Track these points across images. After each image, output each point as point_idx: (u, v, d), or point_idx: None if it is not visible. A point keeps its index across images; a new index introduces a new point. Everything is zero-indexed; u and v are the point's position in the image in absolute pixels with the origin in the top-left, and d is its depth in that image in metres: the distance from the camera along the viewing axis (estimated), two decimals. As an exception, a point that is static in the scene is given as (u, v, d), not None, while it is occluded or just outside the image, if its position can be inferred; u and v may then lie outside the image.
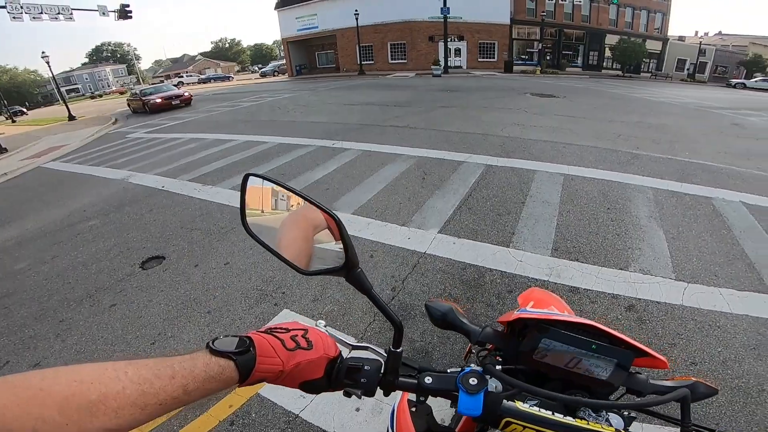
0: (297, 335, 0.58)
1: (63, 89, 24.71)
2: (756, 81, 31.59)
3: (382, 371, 0.61)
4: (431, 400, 0.65)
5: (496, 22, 30.73)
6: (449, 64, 27.89)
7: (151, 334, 2.86)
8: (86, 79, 66.25)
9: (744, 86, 30.88)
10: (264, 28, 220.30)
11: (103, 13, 17.72)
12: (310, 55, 38.57)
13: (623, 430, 0.61)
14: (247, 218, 0.66)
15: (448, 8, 25.71)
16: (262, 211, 0.67)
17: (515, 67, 29.58)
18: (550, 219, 4.15)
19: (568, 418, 0.57)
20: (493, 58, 31.89)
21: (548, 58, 33.04)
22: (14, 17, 15.87)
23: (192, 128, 11.37)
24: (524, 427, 0.55)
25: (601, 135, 7.76)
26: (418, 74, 26.44)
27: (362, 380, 0.60)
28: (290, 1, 35.60)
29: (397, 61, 32.01)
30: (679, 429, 0.60)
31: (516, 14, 31.35)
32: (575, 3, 29.66)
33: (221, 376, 0.50)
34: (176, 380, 0.46)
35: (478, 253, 3.57)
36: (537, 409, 0.58)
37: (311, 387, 0.59)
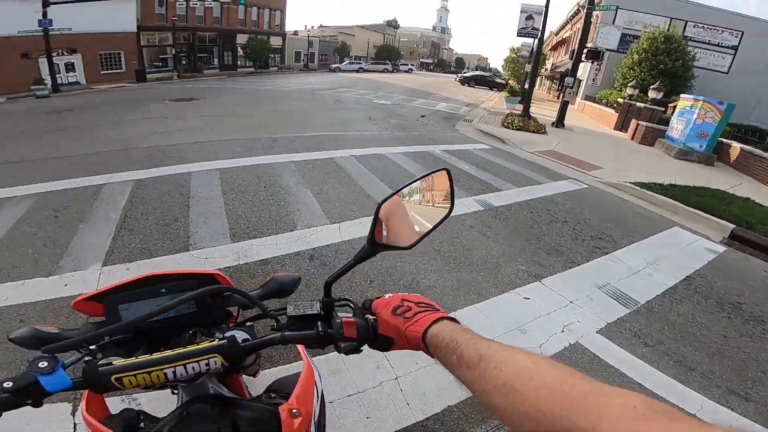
0: None
1: None
2: (344, 64, 43.10)
3: None
4: None
5: (119, 30, 26.85)
6: (61, 82, 22.33)
7: None
8: None
9: (339, 70, 41.38)
10: None
11: None
12: None
13: (244, 342, 0.66)
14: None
15: (50, 20, 20.19)
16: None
17: (149, 75, 27.11)
18: (219, 212, 4.30)
19: (169, 351, 0.63)
20: (121, 68, 27.88)
21: (184, 62, 32.15)
22: None
23: None
24: (136, 374, 0.60)
25: (243, 127, 8.50)
26: (9, 98, 19.66)
27: None
28: None
29: (-31, 84, 22.58)
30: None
31: (144, 20, 28.36)
32: (206, 6, 29.67)
33: None
34: None
35: (160, 267, 3.28)
36: (135, 358, 0.63)
37: None
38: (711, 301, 3.55)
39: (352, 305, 0.70)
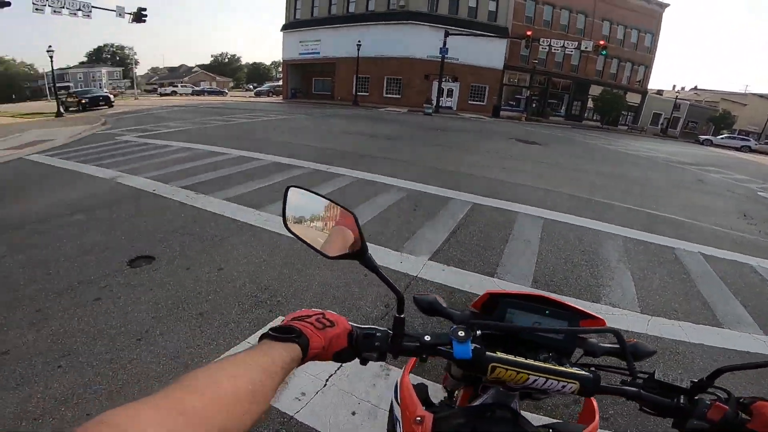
0: (320, 317, 0.69)
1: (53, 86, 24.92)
2: (721, 138, 34.09)
3: (390, 336, 0.74)
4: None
5: (490, 66, 31.82)
6: (440, 104, 28.87)
7: (137, 330, 2.83)
8: (80, 78, 65.52)
9: (710, 143, 33.12)
10: (265, 47, 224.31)
11: (120, 15, 17.90)
12: (306, 80, 39.32)
13: (598, 383, 0.70)
14: (287, 220, 0.83)
15: (447, 48, 26.76)
16: (301, 215, 0.85)
17: (502, 112, 30.64)
18: (530, 256, 4.46)
19: (542, 363, 0.72)
20: (483, 101, 32.95)
21: (534, 105, 34.56)
22: (37, 8, 15.75)
23: (184, 138, 11.45)
24: (507, 369, 0.70)
25: (577, 184, 8.30)
26: (410, 110, 27.27)
27: (376, 344, 0.72)
28: (297, 24, 36.68)
29: (391, 96, 32.82)
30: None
31: (510, 60, 32.43)
32: (566, 53, 30.36)
33: (292, 359, 0.58)
34: (271, 368, 0.53)
35: (466, 280, 3.80)
36: (514, 356, 0.72)
37: (342, 356, 0.70)
38: None
39: (728, 393, 0.68)
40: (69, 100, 23.93)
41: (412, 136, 13.72)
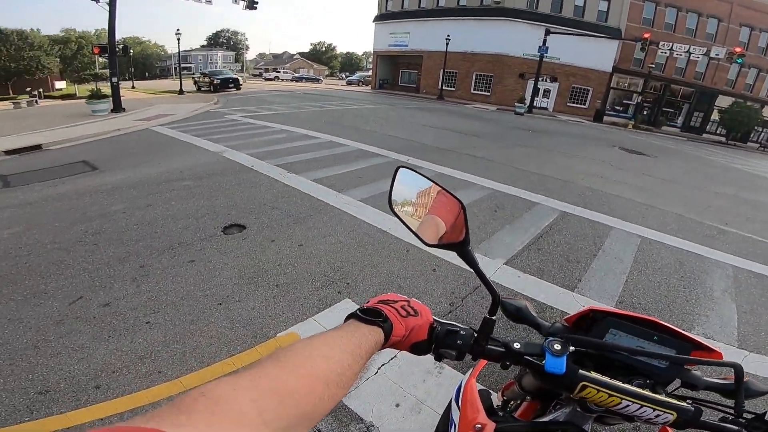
0: (404, 305, 0.67)
1: (178, 66, 28.11)
2: None
3: (474, 337, 0.71)
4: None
5: (596, 68, 29.45)
6: (535, 104, 27.31)
7: (220, 295, 3.09)
8: (200, 60, 73.80)
9: None
10: (358, 37, 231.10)
11: (235, 1, 19.62)
12: (394, 71, 39.77)
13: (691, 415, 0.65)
14: (392, 201, 0.81)
15: (547, 47, 25.16)
16: (406, 198, 0.82)
17: (606, 117, 28.10)
18: (619, 275, 4.04)
19: (638, 388, 0.66)
20: (584, 104, 30.59)
21: (645, 113, 31.00)
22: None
23: (282, 120, 12.31)
24: (598, 390, 0.65)
25: (689, 203, 7.27)
26: (499, 109, 26.18)
27: (458, 342, 0.69)
28: (388, 16, 37.16)
29: (479, 92, 31.85)
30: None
31: (620, 63, 29.71)
32: (691, 58, 26.77)
33: (375, 343, 0.57)
34: (356, 352, 0.52)
35: (541, 289, 3.58)
36: (607, 378, 0.67)
37: (418, 348, 0.67)
38: None
39: None
40: (202, 80, 25.38)
41: (501, 135, 13.14)
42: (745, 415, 0.68)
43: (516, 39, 28.64)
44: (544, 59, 25.64)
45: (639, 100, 30.64)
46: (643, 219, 5.80)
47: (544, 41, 24.96)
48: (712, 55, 23.88)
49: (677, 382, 0.79)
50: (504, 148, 10.54)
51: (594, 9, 29.04)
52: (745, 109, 29.25)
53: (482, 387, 0.83)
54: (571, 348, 0.71)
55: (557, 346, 0.67)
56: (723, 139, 30.83)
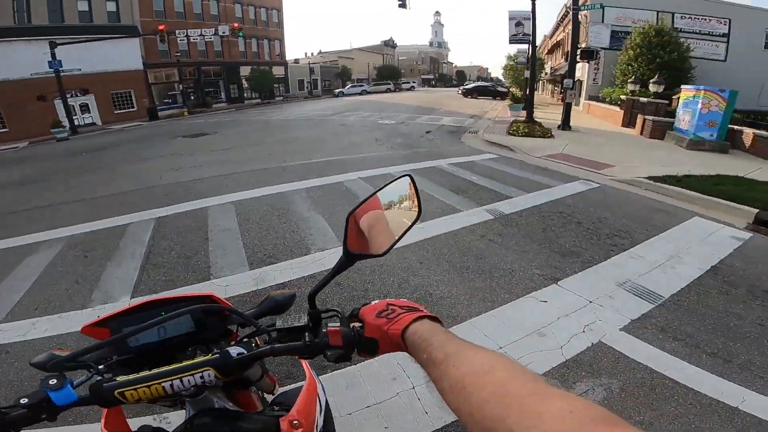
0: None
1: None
2: (347, 88, 44.04)
3: None
4: None
5: (127, 69, 27.92)
6: (77, 123, 23.33)
7: None
8: None
9: (343, 94, 42.21)
10: None
11: None
12: None
13: (237, 355, 0.69)
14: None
15: (59, 61, 21.04)
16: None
17: (161, 113, 28.06)
18: (236, 242, 4.45)
19: (166, 367, 0.68)
20: (133, 107, 29.01)
21: (192, 98, 33.21)
22: None
23: None
24: (137, 389, 0.65)
25: (255, 158, 8.76)
26: (32, 142, 20.59)
27: None
28: None
29: (-8, 131, 23.69)
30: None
31: (148, 57, 29.56)
32: (207, 40, 29.97)
33: None
34: None
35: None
36: (136, 374, 0.68)
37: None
38: (741, 290, 3.46)
39: (339, 315, 0.72)
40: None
41: (51, 173, 10.40)
42: (269, 330, 0.75)
43: (15, 60, 22.54)
44: (61, 74, 21.62)
45: (182, 88, 32.37)
46: (227, 187, 6.52)
47: (53, 55, 20.85)
48: (220, 33, 27.08)
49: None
50: (61, 186, 8.47)
51: (102, 11, 27.01)
52: (261, 73, 37.31)
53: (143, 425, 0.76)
54: (101, 367, 0.71)
55: (52, 381, 0.62)
56: (259, 100, 38.38)
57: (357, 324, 0.69)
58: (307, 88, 48.10)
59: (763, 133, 9.64)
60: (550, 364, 2.53)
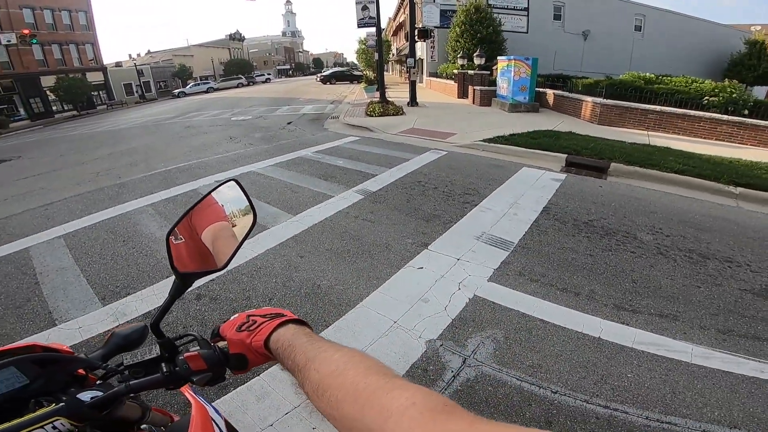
0: None
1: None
2: (190, 87, 39.76)
3: None
4: None
5: None
6: None
7: None
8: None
9: (185, 94, 37.97)
10: None
11: None
12: None
13: (92, 399, 0.62)
14: None
15: None
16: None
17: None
18: (77, 280, 3.67)
19: (4, 424, 0.57)
20: None
21: (-26, 120, 25.81)
22: None
23: None
24: None
25: (79, 180, 7.25)
26: None
27: None
28: None
29: None
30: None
31: None
32: None
33: None
34: None
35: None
36: None
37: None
38: (569, 225, 4.23)
39: (196, 338, 0.70)
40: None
41: None
42: (118, 369, 0.69)
43: None
44: None
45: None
46: (50, 220, 5.28)
47: None
48: (5, 42, 22.38)
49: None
50: None
51: None
52: (72, 81, 30.99)
53: None
54: None
55: None
56: (75, 112, 31.94)
57: (221, 343, 0.67)
58: (137, 92, 41.75)
59: (560, 92, 11.93)
60: (441, 326, 2.71)
